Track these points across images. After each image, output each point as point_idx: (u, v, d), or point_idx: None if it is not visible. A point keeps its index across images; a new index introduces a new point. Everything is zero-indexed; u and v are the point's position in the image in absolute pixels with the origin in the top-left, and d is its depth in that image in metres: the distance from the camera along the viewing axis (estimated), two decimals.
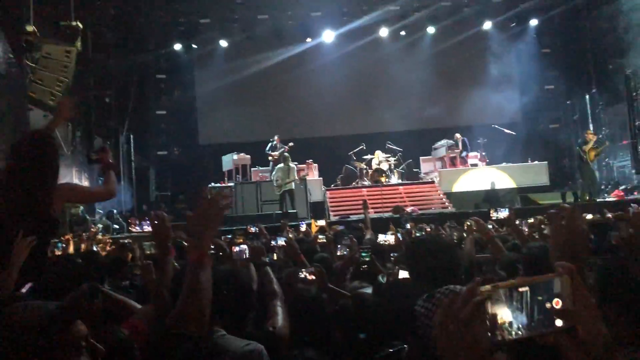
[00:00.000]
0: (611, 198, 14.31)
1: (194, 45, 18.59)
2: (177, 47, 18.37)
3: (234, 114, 18.78)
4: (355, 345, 2.14)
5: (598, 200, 13.66)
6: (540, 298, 0.96)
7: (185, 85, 18.99)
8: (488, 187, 15.21)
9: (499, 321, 0.95)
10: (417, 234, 5.35)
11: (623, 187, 15.83)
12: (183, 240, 6.44)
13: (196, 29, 18.21)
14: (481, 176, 16.00)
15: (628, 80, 16.52)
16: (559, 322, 0.96)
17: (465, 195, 15.21)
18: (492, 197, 14.40)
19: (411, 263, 2.57)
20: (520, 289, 0.96)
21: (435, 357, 1.11)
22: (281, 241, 5.28)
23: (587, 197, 13.80)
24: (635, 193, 15.10)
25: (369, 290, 3.18)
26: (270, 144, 16.15)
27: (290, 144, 15.77)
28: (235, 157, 16.48)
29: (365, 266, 3.97)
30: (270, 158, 16.10)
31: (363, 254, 3.88)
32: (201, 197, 1.85)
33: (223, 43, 18.53)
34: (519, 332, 0.95)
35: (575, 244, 1.33)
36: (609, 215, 8.07)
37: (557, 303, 0.95)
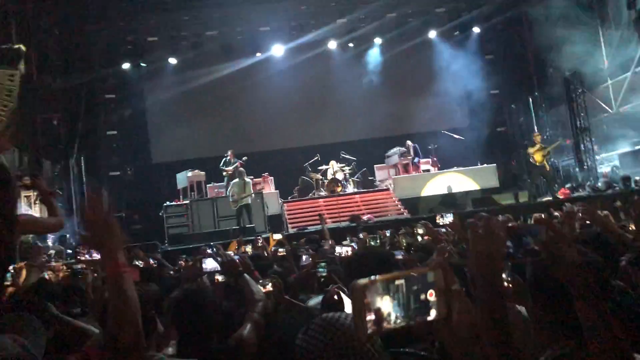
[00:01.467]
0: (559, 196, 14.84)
1: (142, 64, 18.38)
2: (125, 66, 18.13)
3: (187, 131, 18.66)
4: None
5: (544, 199, 14.16)
6: (416, 289, 1.05)
7: (135, 104, 18.74)
8: (445, 192, 15.57)
9: (378, 312, 1.02)
10: (372, 243, 5.43)
11: (569, 185, 16.47)
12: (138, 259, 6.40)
13: (144, 47, 18.05)
14: (446, 181, 16.32)
15: (567, 83, 17.28)
16: (432, 312, 1.06)
17: (428, 200, 15.51)
18: (449, 201, 14.75)
19: (351, 276, 2.66)
20: (397, 282, 1.04)
21: None
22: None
23: (532, 199, 14.28)
24: (580, 190, 15.74)
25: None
26: (224, 159, 16.08)
27: (244, 158, 15.76)
28: (189, 174, 16.33)
29: (323, 279, 4.00)
30: (224, 173, 16.04)
31: (320, 268, 3.90)
32: (84, 210, 1.71)
33: (172, 60, 18.41)
34: (397, 322, 1.03)
35: (492, 251, 1.42)
36: (556, 213, 8.41)
37: (430, 294, 1.06)
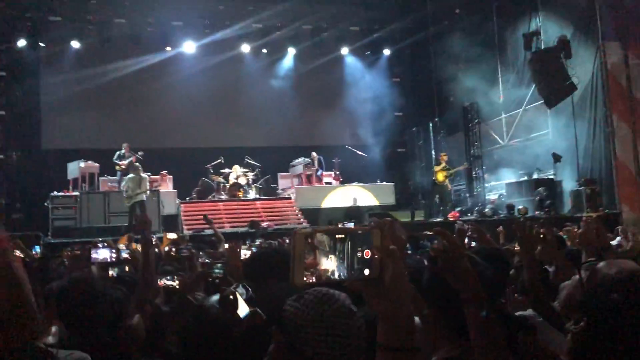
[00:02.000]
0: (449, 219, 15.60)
1: (41, 44, 17.22)
2: (22, 43, 16.89)
3: (84, 119, 17.68)
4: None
5: (436, 220, 14.84)
6: (354, 246, 1.08)
7: (28, 85, 17.45)
8: (350, 204, 15.87)
9: (315, 263, 1.04)
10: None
11: (459, 208, 17.39)
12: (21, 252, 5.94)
13: (45, 26, 16.93)
14: (347, 194, 16.59)
15: (465, 112, 18.34)
16: (366, 271, 1.08)
17: (328, 211, 15.71)
18: (353, 214, 15.03)
19: (251, 275, 2.64)
20: (337, 236, 1.06)
21: (301, 354, 1.20)
22: (125, 254, 5.07)
23: (426, 217, 14.97)
24: (469, 215, 16.66)
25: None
26: (118, 153, 15.37)
27: (140, 153, 15.14)
28: (82, 164, 15.46)
29: (218, 281, 3.96)
30: (117, 167, 15.34)
31: (216, 270, 3.87)
32: None
33: (75, 44, 17.43)
34: (333, 275, 1.06)
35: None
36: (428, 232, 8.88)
37: (367, 254, 1.08)
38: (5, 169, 16.76)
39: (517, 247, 4.87)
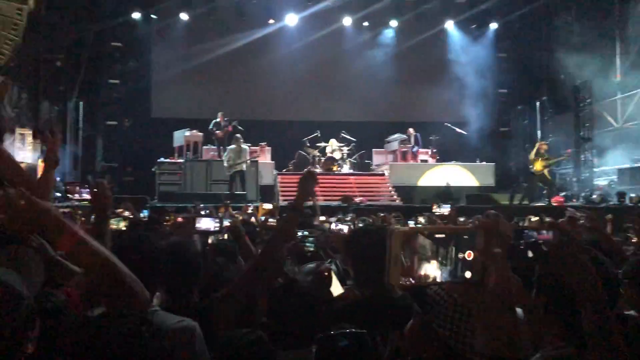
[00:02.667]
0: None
1: (153, 16, 18.08)
2: (136, 16, 17.80)
3: (190, 90, 18.46)
4: (288, 329, 2.17)
5: (538, 204, 14.13)
6: (455, 247, 1.02)
7: (141, 56, 18.44)
8: (442, 184, 15.53)
9: (413, 263, 0.99)
10: (360, 225, 5.40)
11: (564, 193, 16.46)
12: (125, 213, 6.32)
13: None
14: (444, 173, 16.25)
15: (577, 91, 17.17)
16: (468, 273, 1.02)
17: (423, 190, 15.46)
18: (445, 194, 14.72)
19: (351, 253, 2.60)
20: (438, 235, 1.01)
21: (436, 333, 1.16)
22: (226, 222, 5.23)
23: (526, 201, 14.26)
24: (574, 200, 15.74)
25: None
26: (213, 122, 15.90)
27: (234, 122, 15.58)
28: (187, 133, 16.20)
29: (309, 254, 3.99)
30: (213, 137, 15.92)
31: (307, 243, 3.89)
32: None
33: (184, 16, 18.11)
34: (431, 277, 1.01)
35: (499, 248, 1.39)
36: (547, 219, 8.41)
37: (469, 255, 1.00)
38: (118, 134, 17.95)
39: (635, 239, 4.52)
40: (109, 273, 1.54)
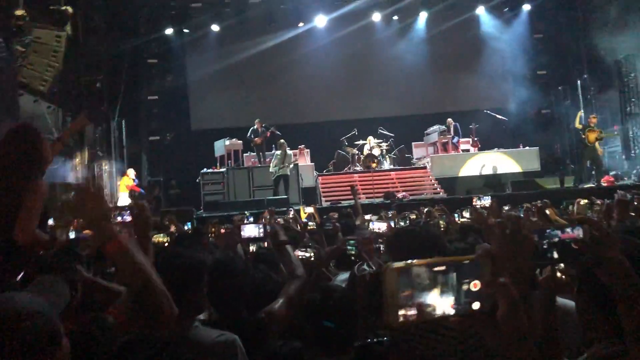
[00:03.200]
0: (602, 184, 14.39)
1: (185, 30, 18.42)
2: (169, 31, 18.18)
3: (226, 99, 18.74)
4: (325, 336, 2.17)
5: (587, 186, 13.74)
6: (458, 278, 0.96)
7: (177, 70, 18.84)
8: (490, 172, 15.27)
9: (412, 300, 0.93)
10: (401, 223, 5.31)
11: (613, 172, 15.92)
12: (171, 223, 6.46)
13: (187, 13, 18.05)
14: (487, 161, 15.99)
15: (619, 66, 16.58)
16: (475, 304, 0.96)
17: (466, 180, 15.25)
18: (492, 182, 14.46)
19: (392, 254, 2.57)
20: (437, 268, 0.95)
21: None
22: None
23: (577, 183, 13.90)
24: (625, 179, 15.21)
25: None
26: (251, 129, 16.05)
27: (272, 127, 15.73)
28: (227, 142, 16.46)
29: (353, 257, 3.92)
30: (252, 144, 16.09)
31: (349, 246, 3.79)
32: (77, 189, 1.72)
33: (215, 27, 18.39)
34: (434, 312, 0.94)
35: (519, 254, 1.36)
36: (599, 201, 8.11)
37: (475, 285, 0.96)
38: (161, 149, 18.38)
39: None
40: (148, 290, 1.60)
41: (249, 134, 16.08)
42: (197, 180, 15.63)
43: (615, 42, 15.73)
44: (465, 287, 0.96)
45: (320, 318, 2.16)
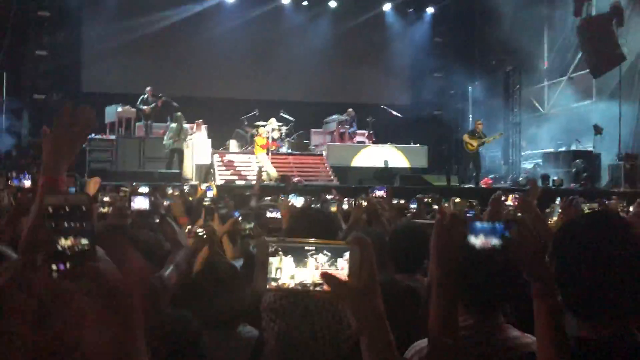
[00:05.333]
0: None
1: None
2: None
3: (124, 64, 17.78)
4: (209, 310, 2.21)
5: (468, 186, 14.67)
6: (325, 260, 1.03)
7: (71, 27, 17.58)
8: (381, 165, 15.77)
9: (280, 271, 1.02)
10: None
11: (492, 175, 17.14)
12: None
13: None
14: (378, 154, 16.47)
15: (507, 77, 17.84)
16: (326, 287, 1.04)
17: (358, 170, 15.65)
18: (383, 175, 14.96)
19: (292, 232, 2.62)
20: (307, 247, 1.03)
21: None
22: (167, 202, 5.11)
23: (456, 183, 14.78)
24: (502, 182, 16.44)
25: None
26: (141, 98, 15.30)
27: (164, 97, 15.15)
28: (119, 109, 15.66)
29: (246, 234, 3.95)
30: (140, 112, 15.45)
31: (247, 225, 3.82)
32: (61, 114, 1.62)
33: None
34: (297, 286, 1.03)
35: (450, 252, 1.46)
36: (474, 202, 8.75)
37: (342, 269, 1.03)
38: (46, 109, 17.12)
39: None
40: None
41: (138, 102, 15.35)
42: (83, 146, 14.74)
43: (505, 54, 16.89)
44: (332, 268, 1.03)
45: (206, 292, 2.18)
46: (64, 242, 0.92)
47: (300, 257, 1.02)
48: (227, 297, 2.20)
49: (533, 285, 1.43)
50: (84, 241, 0.93)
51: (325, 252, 1.03)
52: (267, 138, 14.50)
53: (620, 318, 1.43)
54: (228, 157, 15.83)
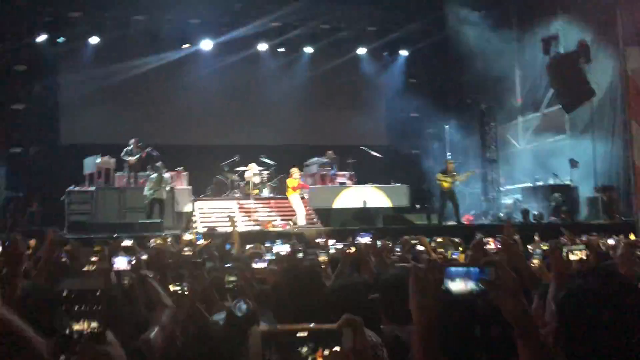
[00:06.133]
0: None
1: (60, 39, 17.33)
2: (42, 38, 17.02)
3: (102, 115, 17.79)
4: None
5: (449, 223, 14.72)
6: (319, 344, 1.01)
7: (48, 80, 17.59)
8: (361, 206, 15.78)
9: None
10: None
11: (473, 212, 17.27)
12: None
13: (65, 21, 17.06)
14: (359, 194, 16.49)
15: (482, 115, 18.19)
16: None
17: (340, 212, 15.62)
18: (363, 215, 14.98)
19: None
20: (300, 334, 1.00)
21: None
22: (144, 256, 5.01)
23: (437, 221, 14.84)
24: (483, 218, 16.57)
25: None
26: (126, 149, 15.28)
27: (149, 148, 15.15)
28: (98, 160, 15.54)
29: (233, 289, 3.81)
30: (125, 163, 15.38)
31: (230, 278, 3.67)
32: None
33: (94, 39, 17.52)
34: None
35: (428, 300, 1.46)
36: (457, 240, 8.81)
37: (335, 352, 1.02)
38: (23, 163, 16.95)
39: (537, 262, 4.79)
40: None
41: (123, 153, 15.31)
42: (62, 199, 14.58)
43: (479, 92, 17.28)
44: (326, 352, 1.01)
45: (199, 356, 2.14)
46: (76, 326, 0.91)
47: (289, 345, 0.99)
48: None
49: (515, 326, 1.44)
50: (94, 324, 0.91)
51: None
52: (299, 179, 14.63)
53: None
54: (209, 204, 15.75)
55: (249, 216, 15.05)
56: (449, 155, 18.44)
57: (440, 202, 15.48)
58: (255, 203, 15.58)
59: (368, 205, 15.93)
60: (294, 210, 14.91)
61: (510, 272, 1.45)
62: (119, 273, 3.54)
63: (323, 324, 1.04)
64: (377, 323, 2.63)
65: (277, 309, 2.31)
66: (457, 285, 1.43)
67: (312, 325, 1.03)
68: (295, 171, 14.69)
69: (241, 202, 15.72)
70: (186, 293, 3.26)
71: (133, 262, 3.54)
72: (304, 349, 1.00)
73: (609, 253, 5.61)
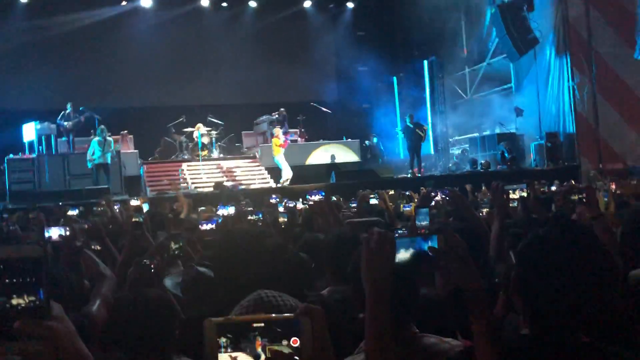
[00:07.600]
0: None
1: None
2: None
3: (38, 78, 16.85)
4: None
5: (401, 176, 14.90)
6: (277, 334, 0.98)
7: None
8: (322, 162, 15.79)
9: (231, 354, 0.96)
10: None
11: (423, 164, 17.49)
12: None
13: None
14: (326, 152, 16.51)
15: (430, 67, 18.27)
16: None
17: (306, 168, 15.57)
18: (333, 171, 14.95)
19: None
20: (255, 325, 0.97)
21: None
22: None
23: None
24: (433, 170, 16.84)
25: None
26: (62, 113, 14.62)
27: (87, 112, 14.58)
28: (38, 126, 14.86)
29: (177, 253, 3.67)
30: (62, 129, 14.77)
31: (175, 245, 3.52)
32: None
33: None
34: None
35: (381, 272, 1.42)
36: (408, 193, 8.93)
37: (294, 342, 0.98)
38: None
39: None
40: None
41: (59, 117, 14.65)
42: (1, 168, 13.94)
43: (426, 44, 17.28)
44: (284, 342, 0.98)
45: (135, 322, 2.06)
46: (13, 301, 0.82)
47: (244, 335, 0.97)
48: (157, 328, 2.07)
49: (465, 292, 1.43)
50: (32, 297, 0.83)
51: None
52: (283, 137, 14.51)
53: (573, 322, 1.43)
54: (157, 167, 15.39)
55: (200, 177, 14.79)
56: (398, 109, 18.54)
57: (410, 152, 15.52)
58: (204, 164, 15.30)
59: (340, 160, 15.95)
60: (245, 170, 14.75)
61: (459, 239, 1.43)
62: (54, 244, 3.37)
63: (280, 314, 1.04)
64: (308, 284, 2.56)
65: (218, 273, 2.23)
66: (402, 256, 1.43)
67: (270, 315, 1.03)
68: (278, 131, 14.61)
69: (190, 164, 15.40)
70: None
71: (67, 234, 3.36)
72: (260, 339, 0.98)
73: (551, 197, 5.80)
